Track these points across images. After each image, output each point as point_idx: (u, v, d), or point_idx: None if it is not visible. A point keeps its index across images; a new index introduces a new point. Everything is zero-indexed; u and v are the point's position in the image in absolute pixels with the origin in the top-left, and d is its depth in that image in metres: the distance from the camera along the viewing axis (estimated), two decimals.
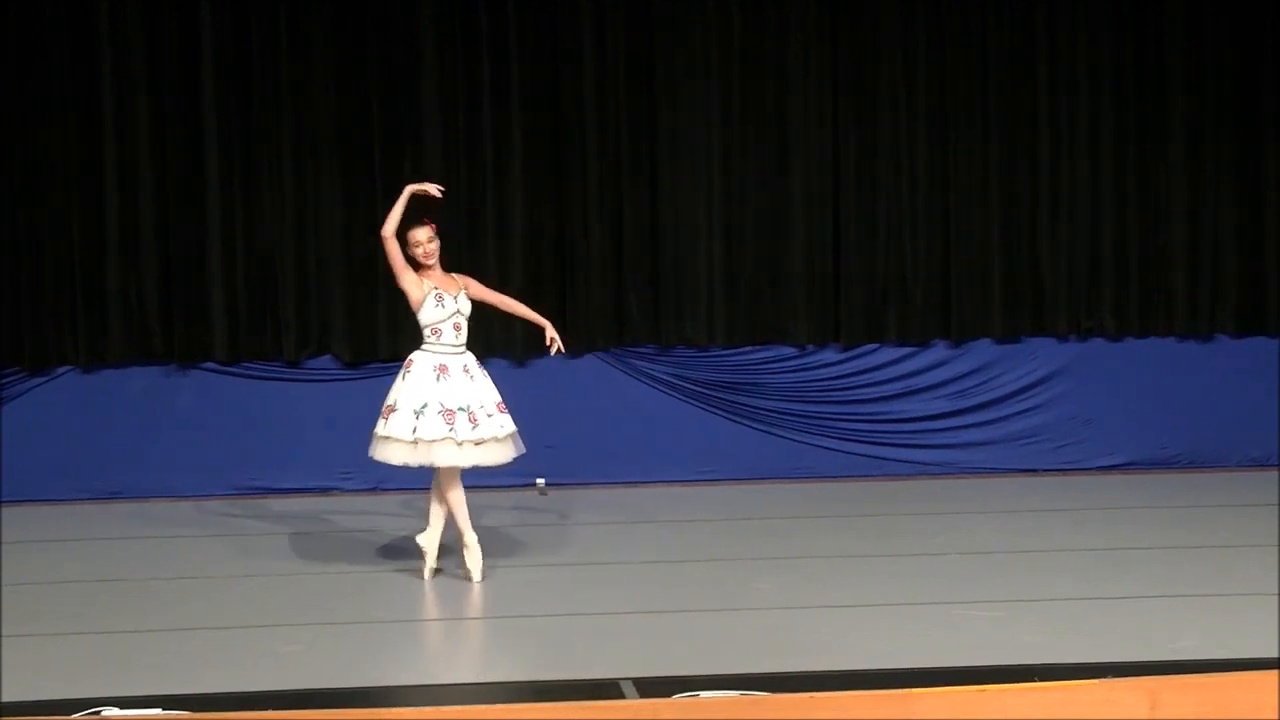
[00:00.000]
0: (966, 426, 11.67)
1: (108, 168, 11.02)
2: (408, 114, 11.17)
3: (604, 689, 7.20)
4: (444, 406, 8.77)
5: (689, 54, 11.34)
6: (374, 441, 8.91)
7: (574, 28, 11.25)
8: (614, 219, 11.38)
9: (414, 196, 8.83)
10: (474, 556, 8.97)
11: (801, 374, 11.62)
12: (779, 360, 11.61)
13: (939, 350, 11.68)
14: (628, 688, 7.22)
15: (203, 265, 11.11)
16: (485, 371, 9.03)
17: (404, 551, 9.52)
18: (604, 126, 11.31)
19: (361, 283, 11.13)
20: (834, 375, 11.64)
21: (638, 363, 11.49)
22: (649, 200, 11.39)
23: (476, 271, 11.09)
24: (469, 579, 8.95)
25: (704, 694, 6.94)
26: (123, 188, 11.04)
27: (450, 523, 9.01)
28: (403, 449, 8.81)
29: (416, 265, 8.87)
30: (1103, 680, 6.70)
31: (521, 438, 9.05)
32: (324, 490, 11.19)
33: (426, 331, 8.88)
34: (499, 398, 8.99)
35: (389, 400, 8.88)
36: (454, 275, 9.04)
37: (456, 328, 8.88)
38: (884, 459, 11.60)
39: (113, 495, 11.05)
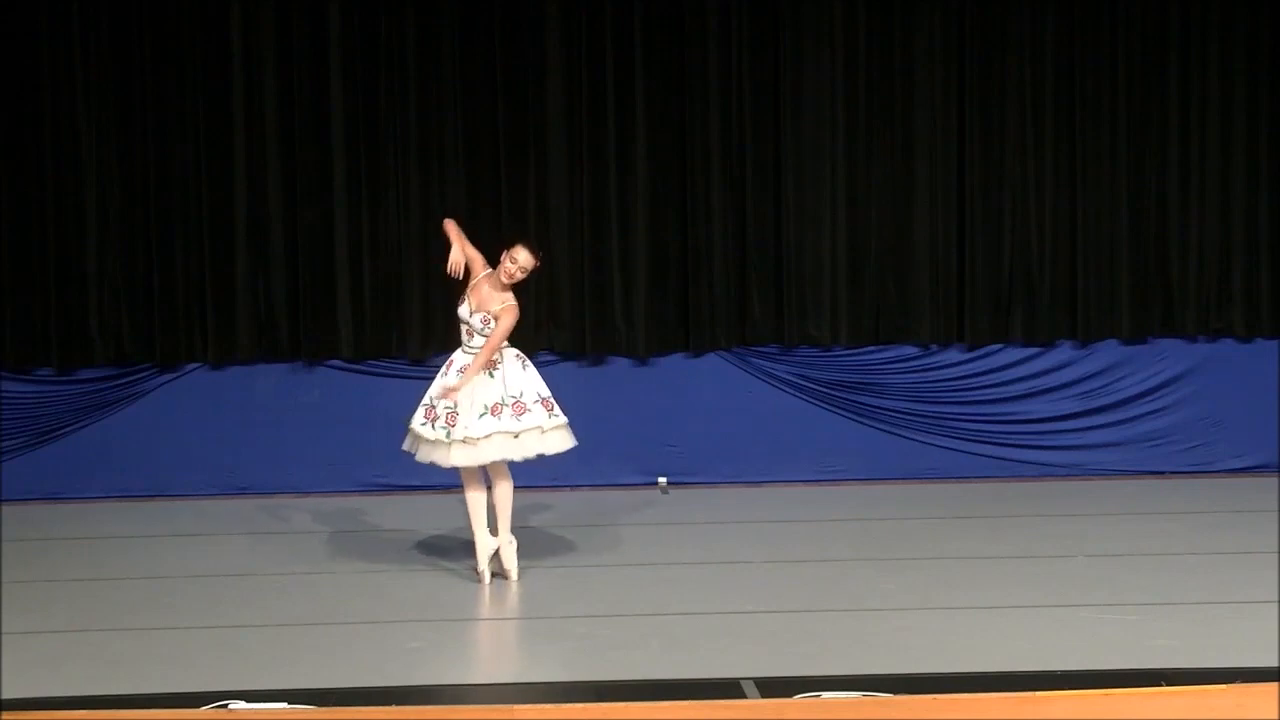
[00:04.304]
0: (1093, 428, 11.53)
1: (237, 169, 11.14)
2: (532, 113, 11.21)
3: (725, 688, 7.19)
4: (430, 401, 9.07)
5: (814, 52, 11.29)
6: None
7: (700, 27, 11.23)
8: (737, 218, 11.35)
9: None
10: (502, 556, 9.05)
11: (925, 374, 11.53)
12: (902, 360, 11.53)
13: (1065, 351, 11.55)
14: (749, 687, 7.21)
15: (330, 264, 11.21)
16: (500, 371, 8.97)
17: (547, 548, 9.56)
18: (728, 125, 11.28)
19: None
20: (958, 375, 11.54)
21: (760, 362, 11.46)
22: (773, 200, 11.35)
23: (601, 273, 11.23)
24: (479, 581, 9.01)
25: (826, 694, 6.91)
26: (251, 189, 11.16)
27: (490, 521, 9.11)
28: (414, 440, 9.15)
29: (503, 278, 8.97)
30: (1233, 685, 6.61)
31: (572, 430, 9.08)
32: (448, 488, 11.23)
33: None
34: (495, 400, 8.93)
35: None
36: (496, 296, 9.00)
37: (468, 333, 9.03)
38: (1009, 460, 11.49)
39: (239, 491, 11.17)
